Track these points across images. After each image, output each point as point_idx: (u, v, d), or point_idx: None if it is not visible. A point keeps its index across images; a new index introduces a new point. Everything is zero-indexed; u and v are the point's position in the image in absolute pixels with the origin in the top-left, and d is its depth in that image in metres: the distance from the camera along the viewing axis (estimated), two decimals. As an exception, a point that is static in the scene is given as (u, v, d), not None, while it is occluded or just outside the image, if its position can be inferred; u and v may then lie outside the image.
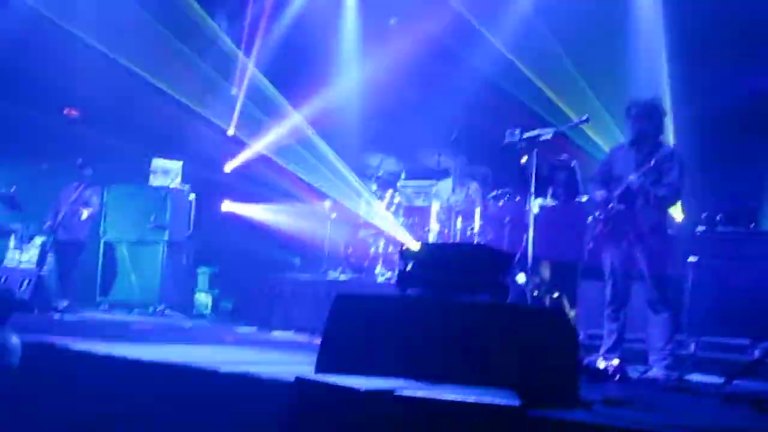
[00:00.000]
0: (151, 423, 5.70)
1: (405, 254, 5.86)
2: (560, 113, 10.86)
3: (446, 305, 5.42)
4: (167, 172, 12.94)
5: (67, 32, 12.69)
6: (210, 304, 12.92)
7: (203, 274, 13.12)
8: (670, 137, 9.50)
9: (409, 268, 5.74)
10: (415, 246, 6.59)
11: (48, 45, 12.72)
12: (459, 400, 4.33)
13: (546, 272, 9.18)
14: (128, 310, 12.28)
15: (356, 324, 5.50)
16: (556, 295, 9.26)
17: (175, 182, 12.93)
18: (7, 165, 13.10)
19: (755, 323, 8.12)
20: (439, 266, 5.74)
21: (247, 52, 14.29)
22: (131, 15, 12.85)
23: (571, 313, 8.67)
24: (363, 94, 13.33)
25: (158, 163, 12.95)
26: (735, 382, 6.58)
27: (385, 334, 5.34)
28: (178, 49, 13.32)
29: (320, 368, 5.33)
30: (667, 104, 9.91)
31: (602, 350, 7.56)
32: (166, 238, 12.44)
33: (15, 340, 6.41)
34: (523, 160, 8.38)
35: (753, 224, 9.02)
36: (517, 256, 8.28)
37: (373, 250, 11.35)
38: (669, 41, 10.84)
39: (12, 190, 12.26)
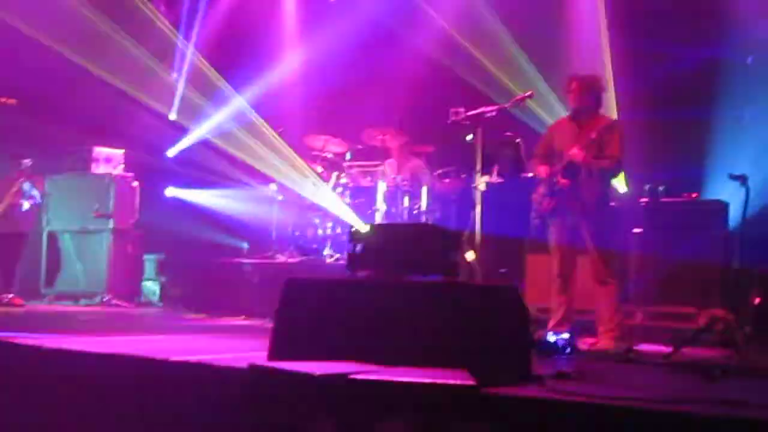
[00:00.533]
0: (104, 415, 5.63)
1: (354, 236, 5.85)
2: (504, 90, 10.90)
3: (397, 286, 5.44)
4: (109, 160, 12.77)
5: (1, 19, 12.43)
6: (158, 291, 12.78)
7: (150, 262, 12.97)
8: (613, 110, 9.61)
9: (358, 250, 5.73)
10: (364, 227, 6.60)
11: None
12: (413, 381, 4.34)
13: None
14: (74, 301, 12.13)
15: (308, 308, 5.49)
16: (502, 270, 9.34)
17: (118, 169, 12.77)
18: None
19: (699, 292, 8.26)
20: (389, 247, 5.74)
21: (186, 36, 14.12)
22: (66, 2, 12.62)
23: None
24: (305, 76, 13.27)
25: (100, 150, 12.76)
26: (682, 350, 6.70)
27: (337, 318, 5.34)
28: (115, 34, 13.12)
29: (273, 354, 5.32)
30: (609, 77, 10.02)
31: (551, 324, 7.65)
32: (110, 226, 12.27)
33: (-41, 337, 6.31)
34: (468, 137, 8.42)
35: (695, 194, 9.15)
36: (466, 233, 8.33)
37: (321, 231, 11.33)
38: (609, 14, 10.90)
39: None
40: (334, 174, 11.51)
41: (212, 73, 13.62)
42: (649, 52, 10.32)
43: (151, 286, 12.84)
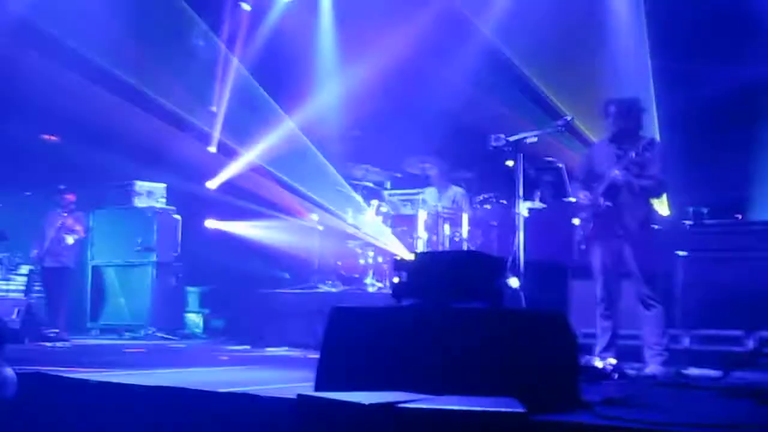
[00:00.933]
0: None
1: (398, 265, 5.85)
2: (545, 115, 10.88)
3: (442, 314, 5.40)
4: (151, 193, 12.93)
5: (44, 55, 12.64)
6: (201, 323, 12.90)
7: (193, 294, 13.10)
8: (655, 132, 9.55)
9: (403, 278, 5.72)
10: (408, 256, 6.59)
11: (24, 69, 12.68)
12: (461, 409, 4.31)
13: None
14: (119, 335, 12.25)
15: (353, 337, 5.47)
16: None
17: (160, 203, 12.90)
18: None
19: (747, 314, 8.15)
20: (433, 275, 5.72)
21: (224, 71, 14.28)
22: (110, 34, 12.81)
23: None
24: (343, 105, 13.34)
25: (142, 184, 12.91)
26: (733, 374, 6.61)
27: (383, 346, 5.32)
28: (156, 69, 13.31)
29: (320, 384, 5.31)
30: (651, 99, 9.96)
31: (597, 349, 7.58)
32: (154, 259, 12.43)
33: (10, 371, 6.36)
34: (510, 163, 8.40)
35: (739, 215, 9.05)
36: (509, 259, 8.29)
37: (362, 261, 11.32)
38: (651, 37, 10.86)
39: (-5, 220, 12.22)
40: (375, 202, 11.53)
41: (251, 106, 13.75)
42: (691, 73, 10.24)
43: (195, 319, 12.93)
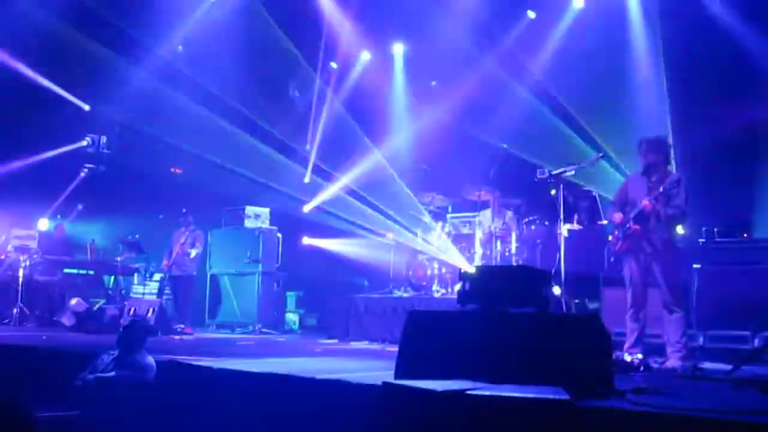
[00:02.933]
0: (262, 425, 5.75)
1: (463, 276, 5.88)
2: (581, 151, 10.84)
3: (499, 317, 5.44)
4: (258, 216, 13.13)
5: (174, 106, 13.00)
6: (298, 321, 13.03)
7: (291, 297, 13.25)
8: (673, 165, 9.45)
9: (467, 287, 5.76)
10: (471, 269, 6.61)
11: (158, 117, 13.05)
12: (519, 396, 4.34)
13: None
14: (232, 330, 12.40)
15: (426, 335, 5.53)
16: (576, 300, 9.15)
17: (265, 224, 13.11)
18: (132, 216, 13.39)
19: (753, 317, 8.02)
20: (492, 285, 5.75)
21: (317, 116, 14.49)
22: (226, 90, 13.14)
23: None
24: (414, 144, 13.42)
25: (251, 209, 13.13)
26: (742, 368, 6.50)
27: (450, 343, 5.37)
28: (264, 113, 13.58)
29: (399, 374, 5.37)
30: (670, 137, 9.86)
31: (626, 346, 7.49)
32: (260, 269, 12.58)
33: (150, 360, 6.54)
34: (553, 192, 8.39)
35: (745, 234, 8.91)
36: (552, 272, 8.26)
37: (429, 271, 11.34)
38: (669, 86, 10.75)
39: (136, 236, 12.52)
40: (440, 223, 11.55)
41: (338, 144, 13.93)
42: (703, 115, 10.12)
43: (293, 317, 13.07)
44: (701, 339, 8.27)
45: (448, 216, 11.99)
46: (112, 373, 6.31)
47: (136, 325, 6.98)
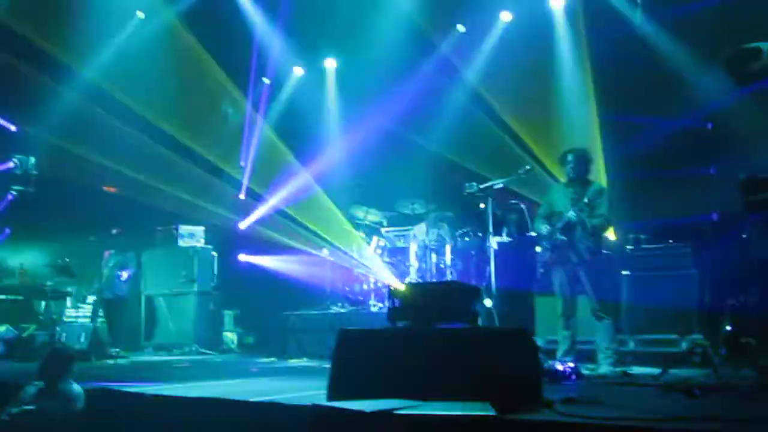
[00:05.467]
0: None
1: (393, 293, 5.90)
2: (509, 164, 10.98)
3: (430, 333, 5.48)
4: (192, 234, 12.97)
5: (103, 125, 12.80)
6: (236, 340, 12.89)
7: (228, 316, 13.09)
8: (601, 174, 9.65)
9: (396, 304, 5.77)
10: (400, 286, 6.64)
11: (88, 136, 12.82)
12: (447, 413, 4.37)
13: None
14: (168, 351, 12.22)
15: (358, 354, 5.52)
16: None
17: (200, 242, 12.96)
18: (61, 239, 13.08)
19: (680, 321, 8.22)
20: (421, 301, 5.78)
21: (251, 132, 14.42)
22: (155, 107, 12.99)
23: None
24: (347, 160, 13.43)
25: (184, 227, 12.97)
26: (669, 371, 6.66)
27: (382, 361, 5.37)
28: (195, 132, 13.45)
29: (332, 394, 5.35)
30: (598, 147, 10.08)
31: (558, 354, 7.62)
32: (195, 289, 12.44)
33: (78, 388, 6.37)
34: (481, 206, 8.49)
35: (670, 240, 9.12)
36: (484, 285, 8.35)
37: (365, 286, 11.37)
38: (597, 98, 10.97)
39: (66, 260, 12.24)
40: (375, 238, 11.59)
41: (273, 160, 13.87)
42: (629, 125, 10.35)
43: (230, 336, 12.93)
44: (632, 344, 8.47)
45: (383, 230, 12.04)
46: (32, 407, 6.13)
47: (59, 352, 6.69)
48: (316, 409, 4.88)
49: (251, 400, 5.75)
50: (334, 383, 5.39)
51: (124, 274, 11.85)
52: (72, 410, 6.13)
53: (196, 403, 6.00)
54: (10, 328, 11.19)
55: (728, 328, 7.41)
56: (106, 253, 12.06)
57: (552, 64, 11.59)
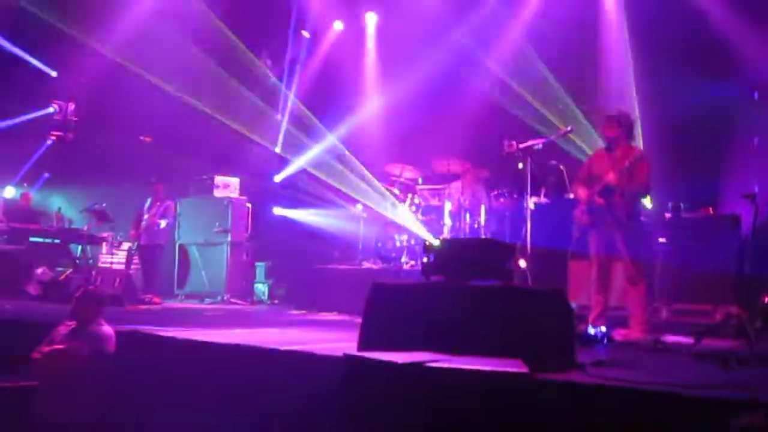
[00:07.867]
0: (226, 396, 5.74)
1: (427, 248, 5.86)
2: (550, 124, 10.85)
3: (463, 289, 5.43)
4: (228, 185, 13.02)
5: (141, 76, 12.84)
6: (267, 291, 12.99)
7: (260, 268, 13.20)
8: (639, 139, 9.47)
9: (431, 259, 5.74)
10: (435, 241, 6.60)
11: (126, 86, 12.87)
12: (478, 368, 4.35)
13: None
14: (200, 300, 12.37)
15: (390, 307, 5.52)
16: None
17: (235, 194, 13.01)
18: (100, 185, 13.23)
19: (715, 291, 8.10)
20: (456, 257, 5.74)
21: (288, 85, 14.39)
22: (192, 60, 12.97)
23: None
24: (385, 115, 13.36)
25: (220, 178, 13.02)
26: (703, 341, 6.57)
27: (414, 315, 5.36)
28: (232, 85, 13.43)
29: (362, 346, 5.36)
30: (636, 112, 9.89)
31: (591, 318, 7.55)
32: (229, 239, 12.51)
33: (108, 329, 6.44)
34: (520, 165, 8.39)
35: (710, 209, 8.98)
36: (518, 245, 8.28)
37: (398, 243, 11.35)
38: (636, 60, 10.76)
39: (103, 205, 12.39)
40: (409, 195, 11.54)
41: (309, 115, 13.85)
42: (669, 90, 10.13)
43: (262, 288, 13.05)
44: (664, 312, 8.37)
45: (418, 187, 11.99)
46: (62, 346, 6.22)
47: (89, 295, 6.77)
48: (347, 358, 4.89)
49: (281, 348, 5.78)
50: (365, 335, 5.39)
51: (163, 223, 11.95)
52: (101, 351, 6.22)
53: (226, 349, 6.05)
54: (47, 270, 11.40)
55: (766, 300, 7.29)
56: (146, 201, 12.15)
57: (594, 25, 11.36)
